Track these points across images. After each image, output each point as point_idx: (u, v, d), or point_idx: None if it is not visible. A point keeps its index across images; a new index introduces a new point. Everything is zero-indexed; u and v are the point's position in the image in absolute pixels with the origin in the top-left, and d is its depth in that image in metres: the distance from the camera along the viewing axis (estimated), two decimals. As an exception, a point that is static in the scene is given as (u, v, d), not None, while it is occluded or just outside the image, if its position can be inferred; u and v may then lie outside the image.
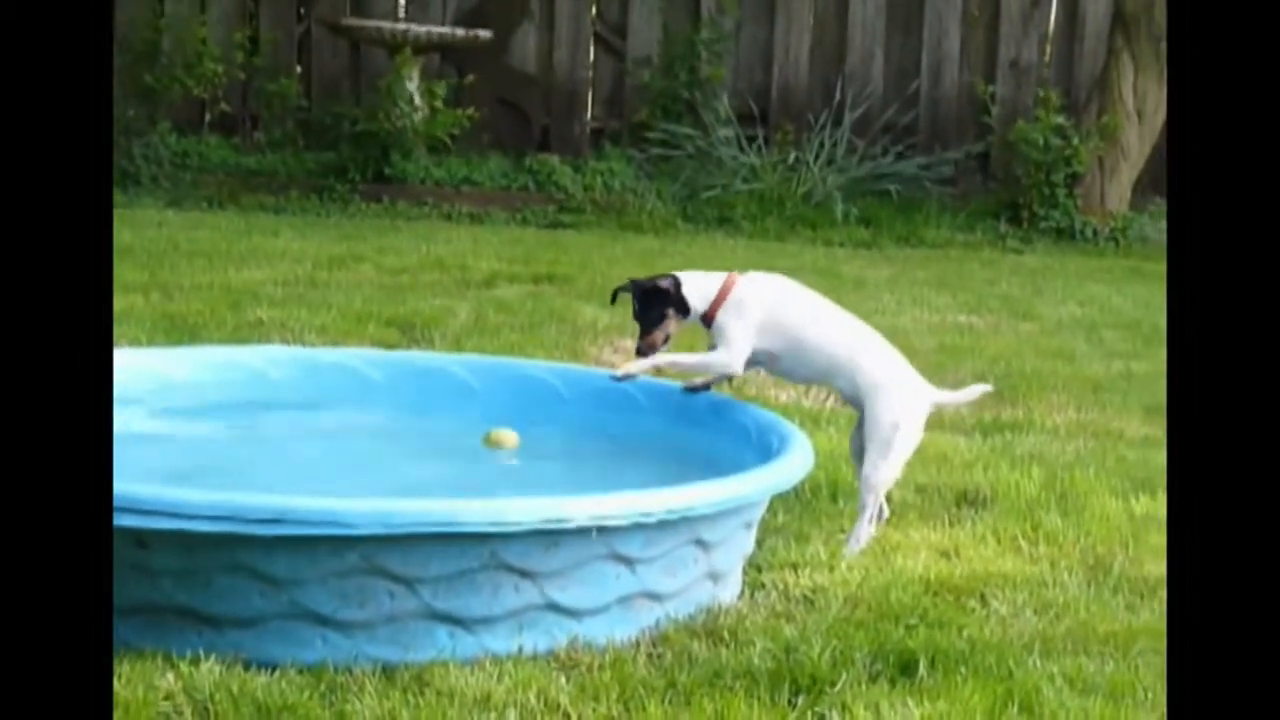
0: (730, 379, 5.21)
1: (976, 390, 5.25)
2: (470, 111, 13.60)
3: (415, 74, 13.59)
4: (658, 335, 5.06)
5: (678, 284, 5.04)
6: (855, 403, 5.11)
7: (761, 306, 5.02)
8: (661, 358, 5.09)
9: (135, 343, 7.14)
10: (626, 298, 5.16)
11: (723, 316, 5.02)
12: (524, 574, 4.03)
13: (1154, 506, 5.56)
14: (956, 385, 5.66)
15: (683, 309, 5.03)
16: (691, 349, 5.25)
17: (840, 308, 5.18)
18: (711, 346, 5.08)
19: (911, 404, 5.01)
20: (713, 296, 5.02)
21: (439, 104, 13.53)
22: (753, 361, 5.10)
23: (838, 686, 3.93)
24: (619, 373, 5.18)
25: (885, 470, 4.99)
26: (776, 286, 5.11)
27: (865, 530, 5.00)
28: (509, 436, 5.27)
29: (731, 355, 5.00)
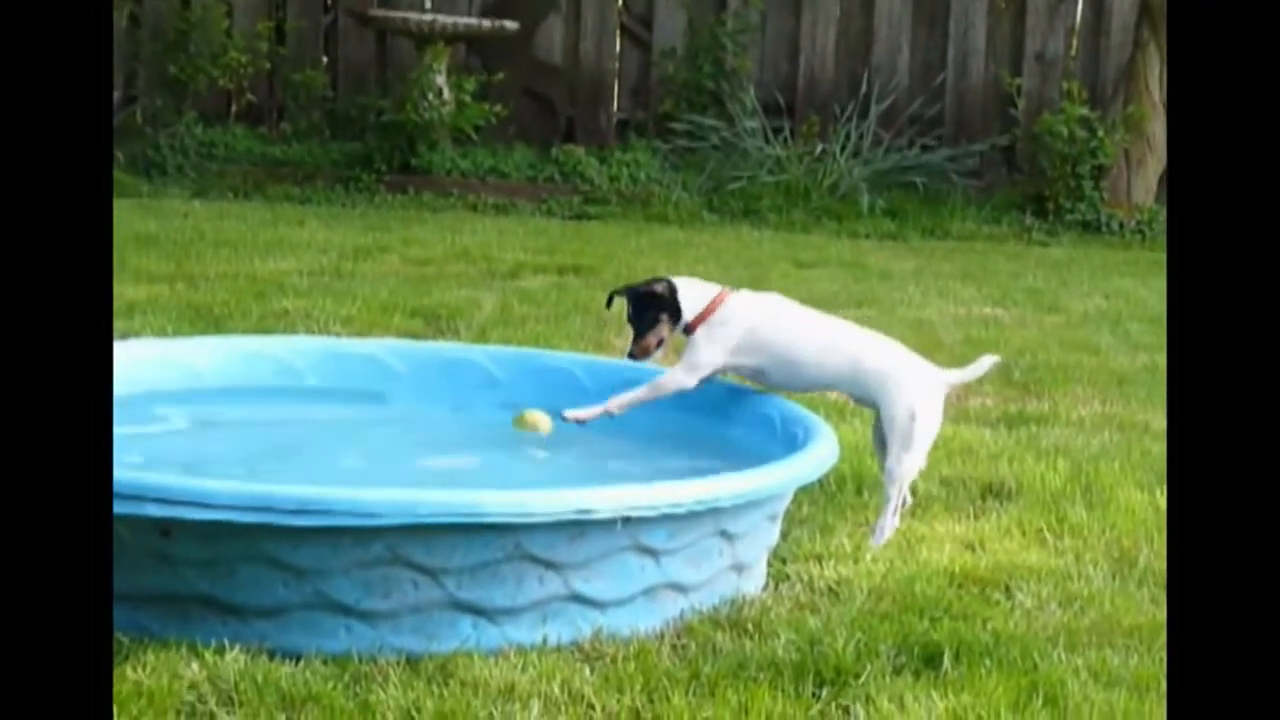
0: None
1: (986, 362, 5.18)
2: (498, 108, 13.62)
3: (443, 66, 13.60)
4: (651, 340, 5.08)
5: (672, 288, 5.06)
6: (868, 403, 5.12)
7: (742, 327, 5.04)
8: (613, 402, 5.08)
9: (161, 333, 7.16)
10: (618, 302, 5.19)
11: (700, 332, 5.05)
12: (548, 565, 4.03)
13: (1180, 500, 5.54)
14: (980, 378, 5.63)
15: (676, 314, 5.05)
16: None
17: (832, 317, 5.18)
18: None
19: (924, 390, 5.00)
20: (699, 310, 5.05)
21: (467, 98, 13.54)
22: (746, 375, 5.14)
23: (862, 678, 3.92)
24: (569, 416, 5.09)
25: (909, 461, 4.98)
26: (762, 306, 5.12)
27: (890, 522, 5.00)
28: (543, 420, 5.26)
29: (689, 375, 5.04)
